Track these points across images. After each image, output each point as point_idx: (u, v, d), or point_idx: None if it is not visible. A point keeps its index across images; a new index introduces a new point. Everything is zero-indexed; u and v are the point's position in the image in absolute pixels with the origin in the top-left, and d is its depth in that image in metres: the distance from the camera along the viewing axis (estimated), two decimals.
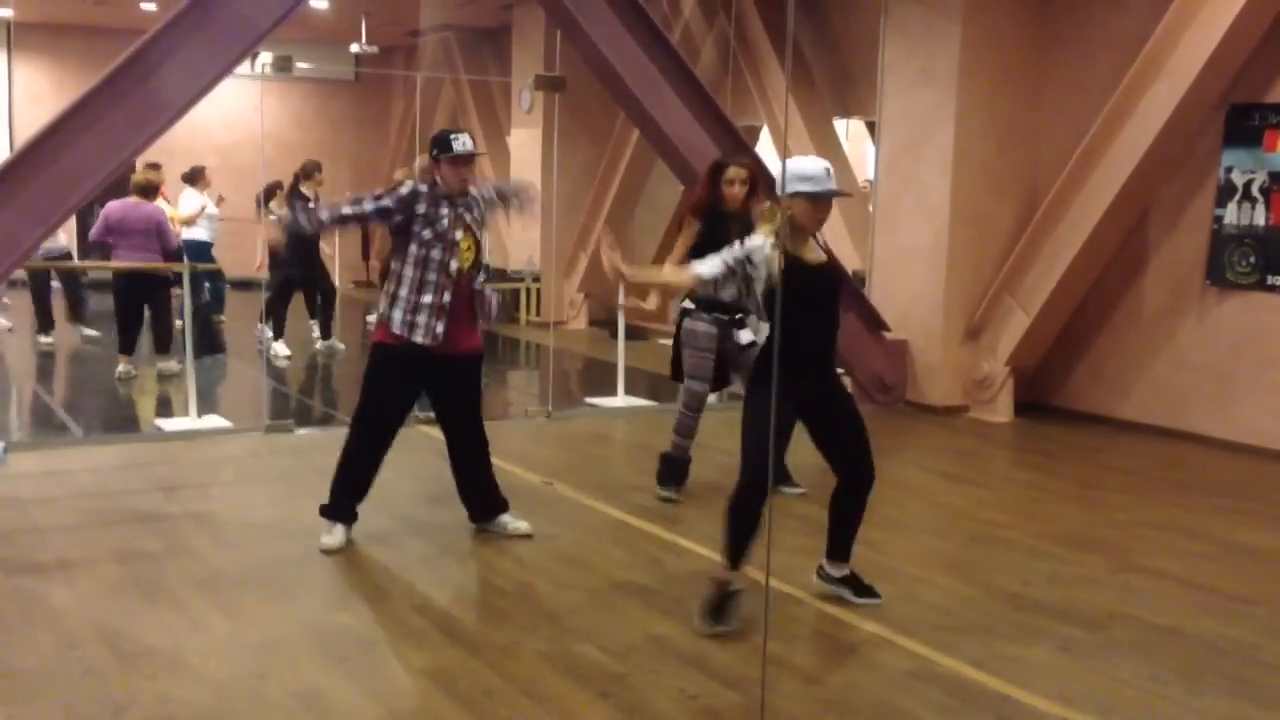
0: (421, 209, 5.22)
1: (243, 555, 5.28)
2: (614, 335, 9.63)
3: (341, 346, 11.29)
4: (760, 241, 4.34)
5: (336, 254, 12.88)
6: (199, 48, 6.79)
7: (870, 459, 4.66)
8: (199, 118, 11.29)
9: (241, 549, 5.38)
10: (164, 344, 9.67)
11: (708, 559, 5.29)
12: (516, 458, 7.08)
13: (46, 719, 3.65)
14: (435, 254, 5.25)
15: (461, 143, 5.26)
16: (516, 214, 5.92)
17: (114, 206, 9.63)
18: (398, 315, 5.26)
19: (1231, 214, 7.91)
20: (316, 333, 11.32)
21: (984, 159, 8.83)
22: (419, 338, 5.25)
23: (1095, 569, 5.40)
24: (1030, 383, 9.08)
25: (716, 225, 5.90)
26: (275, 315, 10.81)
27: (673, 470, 6.33)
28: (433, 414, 7.84)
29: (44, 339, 11.52)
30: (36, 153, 6.54)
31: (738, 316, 6.11)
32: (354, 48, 15.53)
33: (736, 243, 4.41)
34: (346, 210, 5.31)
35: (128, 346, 9.61)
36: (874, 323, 9.01)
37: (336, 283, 11.95)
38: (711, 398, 6.59)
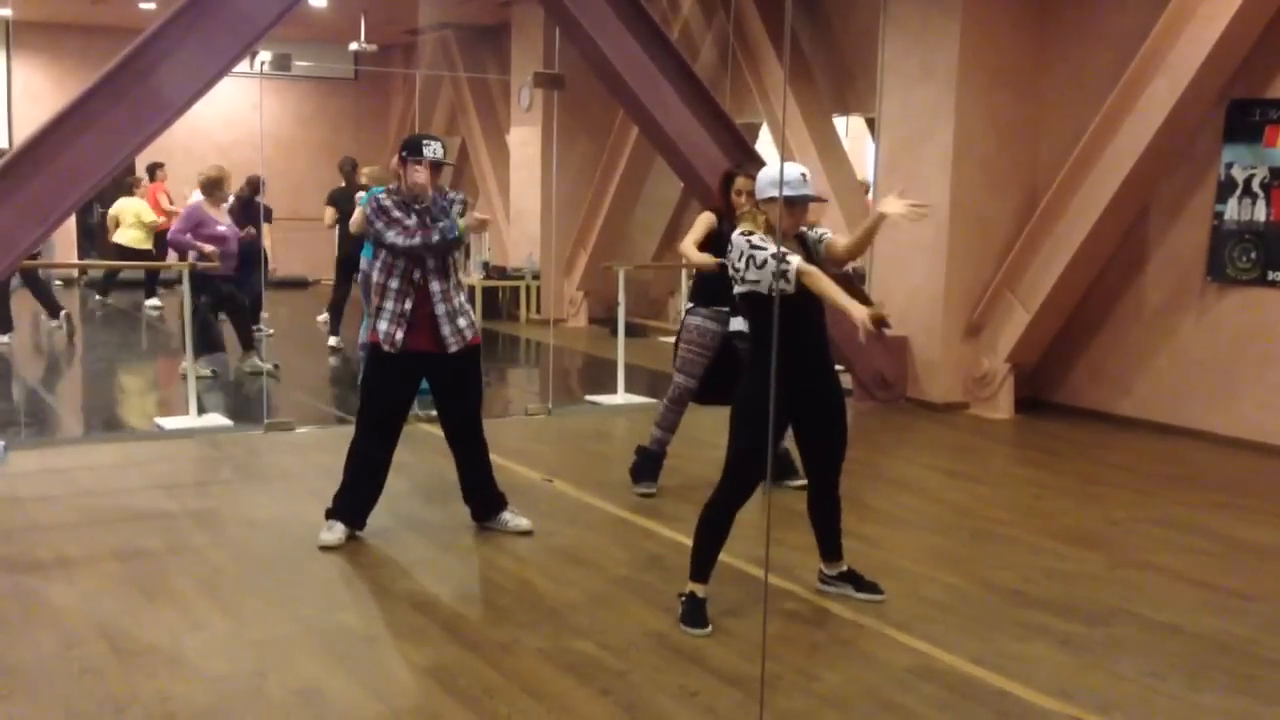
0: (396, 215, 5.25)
1: (243, 553, 5.29)
2: (614, 333, 9.64)
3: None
4: (746, 235, 4.44)
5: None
6: (198, 46, 6.78)
7: (839, 471, 4.78)
8: (198, 116, 11.30)
9: (242, 547, 5.38)
10: (247, 341, 9.80)
11: None
12: (517, 455, 7.08)
13: (46, 717, 3.65)
14: (399, 261, 5.26)
15: (433, 150, 5.27)
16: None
17: (204, 208, 9.59)
18: (378, 322, 5.33)
19: (1232, 210, 7.91)
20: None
21: (984, 156, 8.83)
22: (385, 345, 5.29)
23: (1095, 565, 5.40)
24: (1030, 379, 9.08)
25: (727, 232, 5.91)
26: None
27: (646, 466, 6.36)
28: (433, 412, 7.87)
29: (1, 339, 11.38)
30: (35, 151, 6.53)
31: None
32: (353, 46, 15.51)
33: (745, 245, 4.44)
34: (417, 233, 5.27)
35: (213, 346, 9.75)
36: (874, 319, 8.99)
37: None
38: None
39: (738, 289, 4.51)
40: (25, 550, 5.22)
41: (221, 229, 9.49)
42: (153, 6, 13.91)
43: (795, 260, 4.32)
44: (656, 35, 8.23)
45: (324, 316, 11.33)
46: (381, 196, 5.33)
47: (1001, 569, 5.29)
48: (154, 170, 14.33)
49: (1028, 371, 9.02)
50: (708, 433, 7.15)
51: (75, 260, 16.43)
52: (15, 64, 16.99)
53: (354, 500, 5.44)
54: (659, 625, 4.49)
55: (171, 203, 14.49)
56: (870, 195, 10.77)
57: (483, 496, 5.67)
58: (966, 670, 4.16)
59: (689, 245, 6.00)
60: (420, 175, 5.24)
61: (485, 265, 14.70)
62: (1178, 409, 8.29)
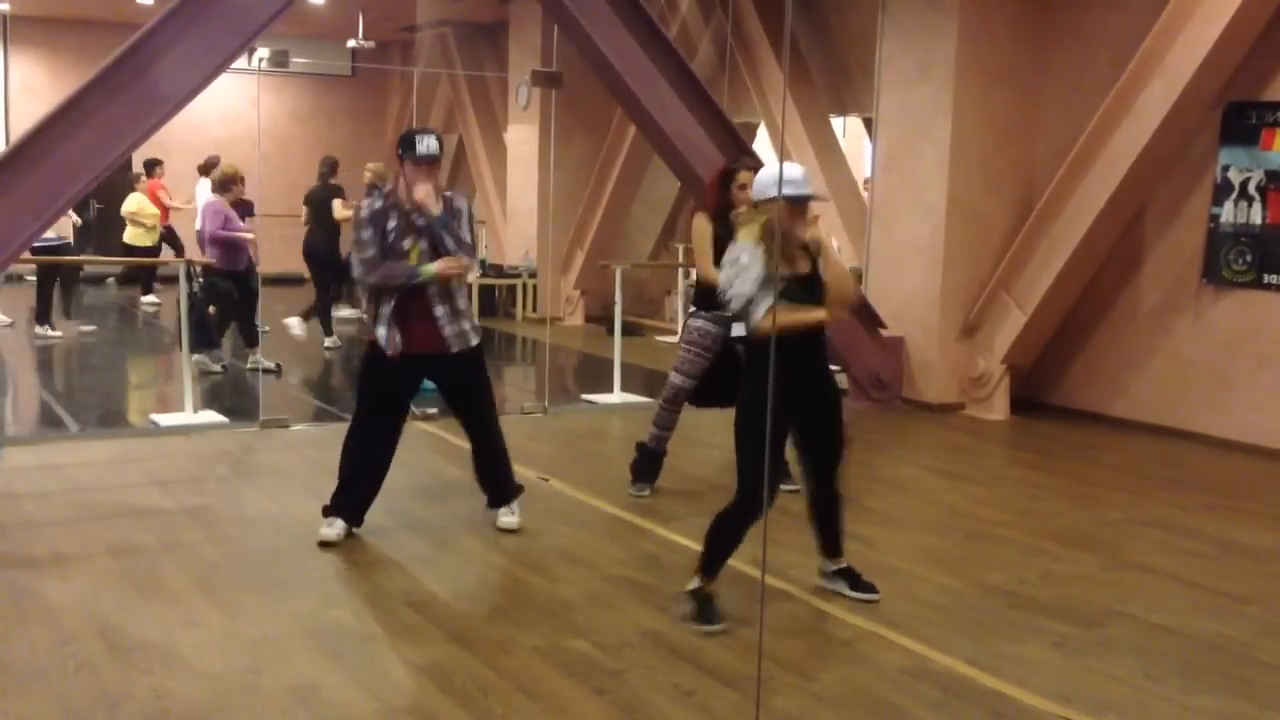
0: (390, 223, 5.21)
1: (238, 550, 5.28)
2: (610, 332, 9.63)
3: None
4: (743, 248, 4.43)
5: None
6: (195, 42, 6.77)
7: (838, 468, 4.78)
8: (195, 112, 11.30)
9: (236, 544, 5.37)
10: (252, 338, 9.75)
11: None
12: (513, 454, 7.01)
13: (40, 714, 3.65)
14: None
15: (426, 145, 5.14)
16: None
17: (220, 203, 9.71)
18: (376, 326, 5.33)
19: (1228, 212, 7.92)
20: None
21: (981, 156, 8.84)
22: (387, 350, 5.27)
23: (1090, 567, 5.40)
24: (1026, 380, 9.09)
25: (732, 230, 5.87)
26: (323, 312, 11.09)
27: (646, 465, 6.37)
28: (431, 410, 7.87)
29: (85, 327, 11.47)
30: (32, 146, 6.52)
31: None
32: (351, 43, 15.51)
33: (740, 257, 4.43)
34: (373, 269, 5.25)
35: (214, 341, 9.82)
36: (870, 320, 9.02)
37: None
38: None
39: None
40: (20, 546, 5.21)
41: (241, 225, 9.64)
42: (150, 2, 13.88)
43: (762, 311, 4.33)
44: (654, 34, 8.22)
45: (294, 319, 11.05)
46: (368, 204, 5.26)
47: (996, 570, 5.30)
48: (152, 166, 14.32)
49: (1024, 372, 9.03)
50: (706, 433, 7.16)
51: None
52: (12, 58, 16.97)
53: (353, 498, 5.43)
54: (655, 624, 4.49)
55: (170, 199, 14.48)
56: (868, 194, 10.77)
57: (490, 488, 5.71)
58: (961, 671, 4.17)
59: (710, 268, 5.69)
60: (421, 191, 5.13)
61: (482, 263, 14.70)
62: (1173, 411, 8.30)
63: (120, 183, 13.77)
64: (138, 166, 13.88)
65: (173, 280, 9.33)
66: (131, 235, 13.54)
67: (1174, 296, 8.29)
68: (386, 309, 5.26)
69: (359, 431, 5.46)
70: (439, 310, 5.29)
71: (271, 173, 12.30)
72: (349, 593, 4.83)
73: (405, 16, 15.19)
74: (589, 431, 8.24)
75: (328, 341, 11.20)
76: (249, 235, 9.61)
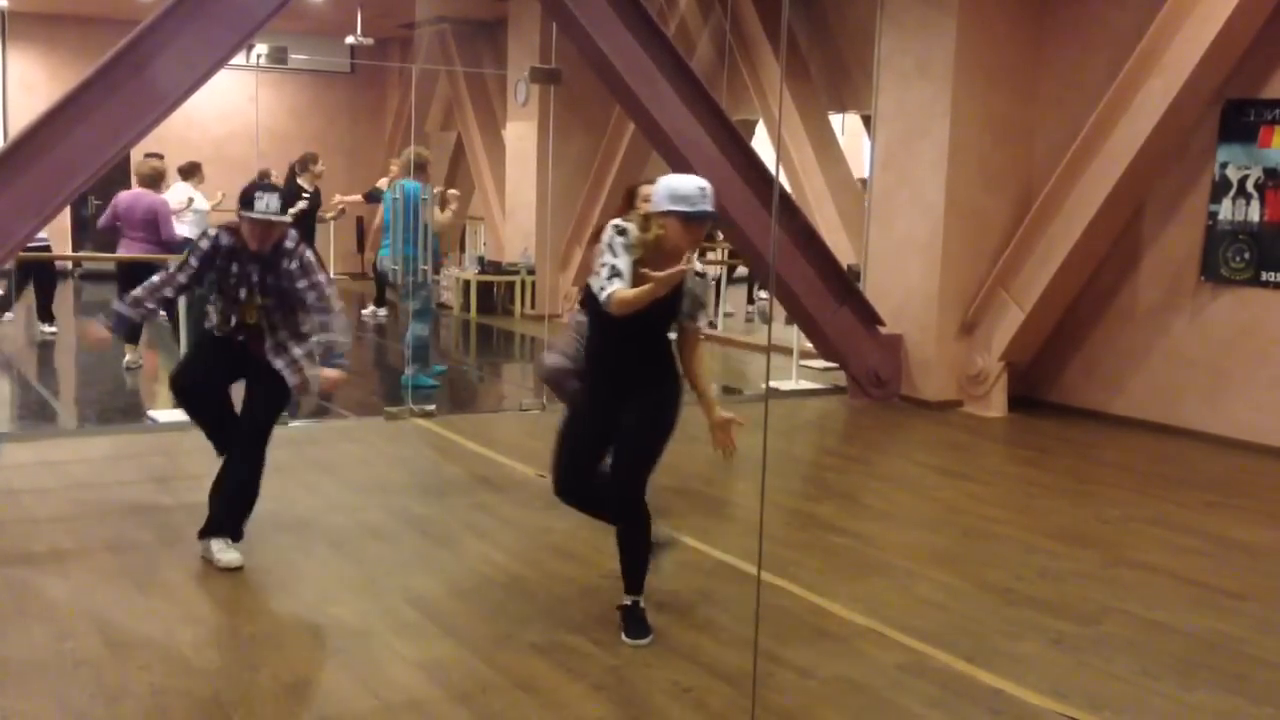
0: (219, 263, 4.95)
1: (236, 547, 5.27)
2: None
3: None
4: (607, 230, 4.21)
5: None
6: (194, 38, 6.77)
7: (625, 494, 4.38)
8: (194, 109, 11.31)
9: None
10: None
11: (700, 551, 5.31)
12: (511, 450, 7.08)
13: (39, 710, 3.65)
14: (218, 306, 5.04)
15: (265, 204, 4.82)
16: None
17: (124, 196, 9.80)
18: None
19: (1226, 210, 7.92)
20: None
21: (979, 153, 8.84)
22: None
23: (1088, 564, 5.41)
24: (1024, 378, 9.09)
25: None
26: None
27: None
28: (429, 408, 7.87)
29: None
30: (30, 143, 6.52)
31: None
32: (349, 39, 15.49)
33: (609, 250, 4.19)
34: (165, 290, 5.01)
35: (134, 335, 9.74)
36: (869, 317, 9.02)
37: (333, 273, 11.94)
38: None
39: (590, 279, 4.27)
40: (19, 543, 5.21)
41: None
42: None
43: (612, 289, 4.06)
44: (653, 31, 8.22)
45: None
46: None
47: (994, 567, 5.31)
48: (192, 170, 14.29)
49: (1021, 370, 9.03)
50: (703, 430, 7.15)
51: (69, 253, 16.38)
52: (11, 55, 16.95)
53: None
54: (652, 621, 4.48)
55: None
56: (867, 194, 10.76)
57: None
58: (959, 668, 4.17)
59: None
60: (253, 235, 4.87)
61: (480, 260, 14.70)
62: (1171, 408, 8.31)
63: (119, 179, 13.75)
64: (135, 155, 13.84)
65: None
66: None
67: (1172, 294, 8.30)
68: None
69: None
70: (267, 344, 5.03)
71: (270, 169, 12.30)
72: (346, 589, 4.83)
73: (404, 13, 15.18)
74: None
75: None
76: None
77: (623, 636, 4.31)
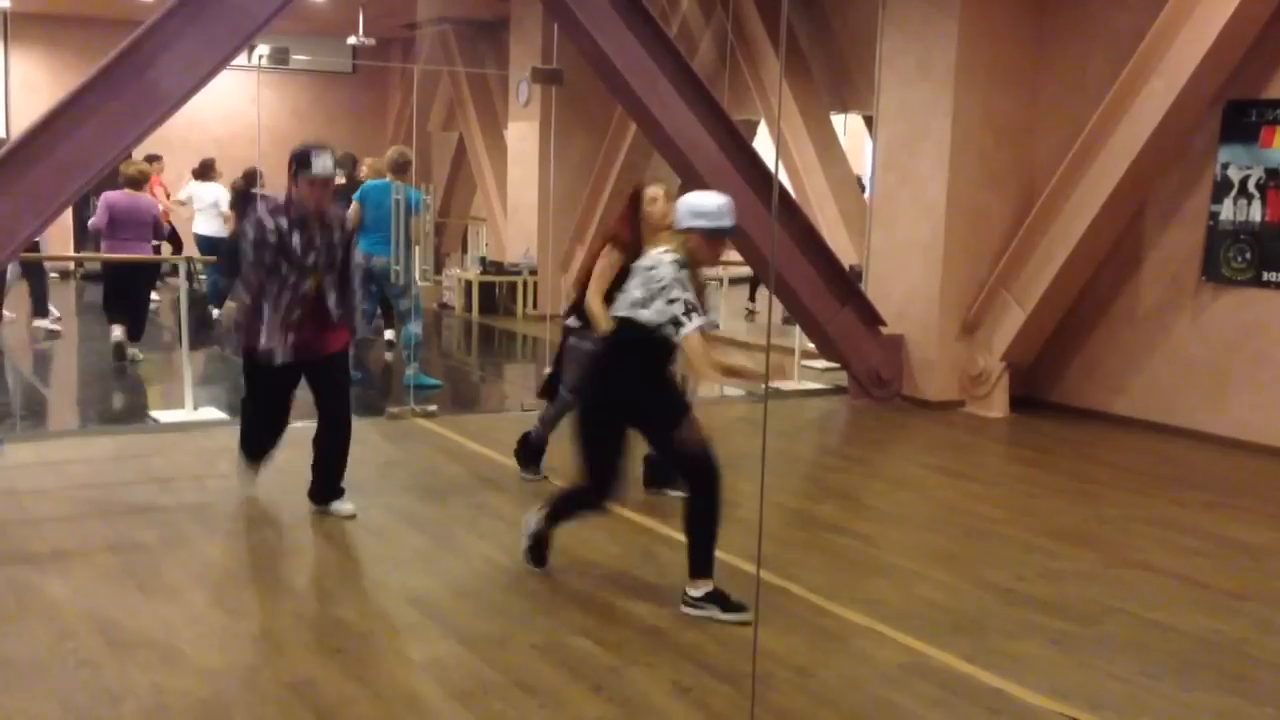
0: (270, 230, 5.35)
1: (237, 547, 5.29)
2: None
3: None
4: (662, 259, 4.39)
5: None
6: (196, 39, 6.77)
7: (700, 457, 4.62)
8: (196, 110, 11.28)
9: (236, 540, 5.39)
10: (137, 332, 9.97)
11: None
12: (512, 451, 7.07)
13: (41, 710, 3.66)
14: (285, 273, 5.34)
15: (322, 163, 5.26)
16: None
17: (116, 197, 9.88)
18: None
19: (1228, 210, 7.92)
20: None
21: (981, 154, 8.84)
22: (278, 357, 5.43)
23: (1088, 564, 5.41)
24: (1025, 378, 9.09)
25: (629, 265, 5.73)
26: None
27: (531, 452, 6.54)
28: (431, 408, 7.88)
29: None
30: (33, 143, 6.53)
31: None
32: (351, 40, 15.50)
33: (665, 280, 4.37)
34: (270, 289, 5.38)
35: (136, 331, 9.94)
36: (870, 317, 9.02)
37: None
38: None
39: (619, 310, 4.45)
40: (20, 543, 5.22)
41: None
42: None
43: (692, 327, 4.27)
44: (655, 32, 8.23)
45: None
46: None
47: (995, 567, 5.31)
48: (151, 163, 14.29)
49: (1023, 370, 9.04)
50: (710, 425, 7.14)
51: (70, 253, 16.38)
52: (13, 56, 16.97)
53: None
54: (652, 621, 4.50)
55: (169, 196, 14.47)
56: (867, 193, 10.77)
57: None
58: (959, 668, 4.18)
59: (599, 302, 5.58)
60: (311, 195, 5.43)
61: (482, 260, 14.71)
62: (1172, 409, 8.31)
63: (106, 180, 13.76)
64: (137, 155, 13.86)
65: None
66: None
67: (1173, 294, 8.30)
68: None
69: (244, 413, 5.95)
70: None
71: (271, 171, 12.28)
72: (349, 589, 4.84)
73: (406, 13, 15.19)
74: None
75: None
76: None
77: (721, 615, 4.43)
